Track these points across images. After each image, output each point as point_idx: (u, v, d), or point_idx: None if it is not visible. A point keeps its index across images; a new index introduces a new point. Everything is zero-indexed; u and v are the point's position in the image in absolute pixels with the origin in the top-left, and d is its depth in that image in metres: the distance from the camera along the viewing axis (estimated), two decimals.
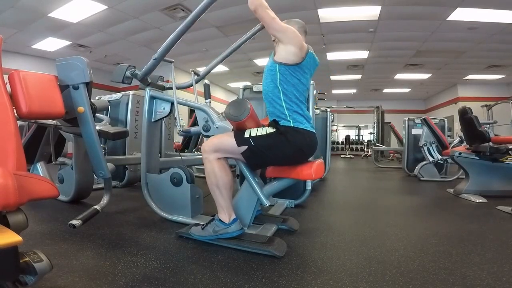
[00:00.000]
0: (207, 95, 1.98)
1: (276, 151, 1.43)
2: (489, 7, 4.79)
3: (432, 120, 4.68)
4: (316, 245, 1.58)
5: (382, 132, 10.00)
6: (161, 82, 2.07)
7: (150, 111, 1.99)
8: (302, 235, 1.73)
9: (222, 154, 1.49)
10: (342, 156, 11.82)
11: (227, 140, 1.47)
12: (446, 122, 5.15)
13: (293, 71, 1.46)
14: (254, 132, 1.44)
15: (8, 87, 1.08)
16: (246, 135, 1.44)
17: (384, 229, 1.88)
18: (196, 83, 2.06)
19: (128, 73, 1.84)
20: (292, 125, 1.44)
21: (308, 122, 1.50)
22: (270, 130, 1.45)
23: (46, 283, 1.05)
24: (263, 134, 1.44)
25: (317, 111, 3.91)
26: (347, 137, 13.08)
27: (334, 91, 12.55)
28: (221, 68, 9.06)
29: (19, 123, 1.38)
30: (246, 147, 1.43)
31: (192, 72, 2.04)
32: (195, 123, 4.27)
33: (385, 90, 12.17)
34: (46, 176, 2.34)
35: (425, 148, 4.59)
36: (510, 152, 2.83)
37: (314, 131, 1.52)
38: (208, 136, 1.77)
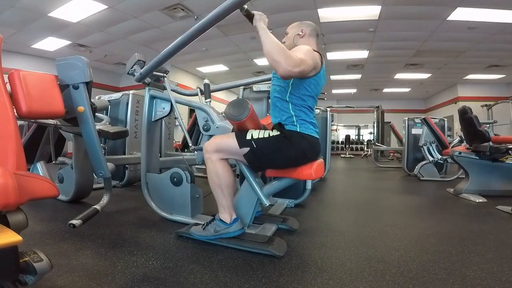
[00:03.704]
0: (207, 94, 1.98)
1: (279, 154, 1.42)
2: (489, 7, 4.79)
3: (432, 119, 4.68)
4: (316, 245, 1.58)
5: (382, 132, 10.00)
6: (164, 77, 2.07)
7: (150, 110, 1.99)
8: (302, 235, 1.73)
9: (224, 154, 1.48)
10: (342, 155, 11.82)
11: (229, 141, 1.46)
12: (446, 121, 5.15)
13: (308, 84, 1.43)
14: (257, 134, 1.43)
15: (8, 86, 1.08)
16: (249, 136, 1.43)
17: (384, 229, 1.88)
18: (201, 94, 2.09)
19: (133, 68, 1.84)
20: (298, 130, 1.43)
21: (313, 129, 1.49)
22: (274, 133, 1.45)
23: (46, 283, 1.05)
24: (265, 136, 1.42)
25: (317, 111, 3.91)
26: (347, 136, 13.09)
27: (334, 91, 12.56)
28: (221, 68, 9.06)
29: (19, 122, 1.38)
30: (248, 149, 1.42)
31: (198, 89, 2.07)
32: (195, 123, 4.28)
33: (385, 90, 12.17)
34: (46, 175, 2.33)
35: (425, 147, 4.59)
36: (510, 151, 2.83)
37: (318, 137, 1.52)
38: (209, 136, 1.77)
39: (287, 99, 1.45)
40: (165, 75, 1.98)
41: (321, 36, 6.30)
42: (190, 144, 1.84)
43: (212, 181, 1.50)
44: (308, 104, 1.47)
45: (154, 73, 1.81)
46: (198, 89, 2.08)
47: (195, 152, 1.79)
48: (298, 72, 1.26)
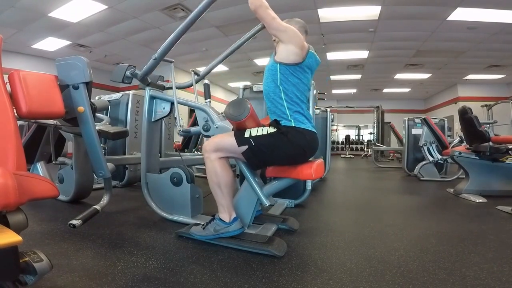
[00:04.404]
0: (207, 95, 1.98)
1: (277, 150, 1.43)
2: (489, 7, 4.79)
3: (432, 120, 4.68)
4: (316, 245, 1.58)
5: (382, 132, 10.00)
6: (161, 81, 2.07)
7: (150, 111, 1.99)
8: (302, 235, 1.73)
9: (223, 153, 1.49)
10: (342, 156, 11.82)
11: (228, 139, 1.47)
12: (446, 122, 5.15)
13: (294, 70, 1.47)
14: (255, 131, 1.44)
15: (8, 87, 1.08)
16: (247, 134, 1.44)
17: (384, 229, 1.88)
18: (196, 83, 2.06)
19: (128, 73, 1.84)
20: (293, 125, 1.44)
21: (309, 122, 1.50)
22: (271, 129, 1.45)
23: (46, 283, 1.05)
24: (263, 133, 1.43)
25: (317, 111, 3.91)
26: (347, 137, 13.08)
27: (334, 91, 12.56)
28: (221, 68, 9.06)
29: (19, 123, 1.38)
30: (246, 146, 1.43)
31: (192, 72, 2.04)
32: (195, 123, 4.29)
33: (385, 90, 12.17)
34: (46, 176, 2.33)
35: (425, 148, 4.59)
36: (510, 152, 2.83)
37: (315, 130, 1.52)
38: (208, 136, 1.77)
39: (279, 85, 1.47)
40: (172, 60, 1.96)
41: (321, 36, 6.31)
42: (178, 126, 1.86)
43: (211, 180, 1.50)
44: (300, 89, 1.49)
45: (165, 58, 1.79)
46: (193, 72, 2.05)
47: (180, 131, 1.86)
48: (260, 10, 1.40)
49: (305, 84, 1.52)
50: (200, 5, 1.47)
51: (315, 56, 1.56)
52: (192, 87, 2.03)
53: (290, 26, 1.47)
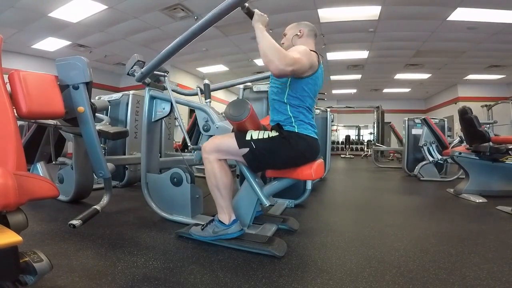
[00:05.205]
0: (207, 95, 1.98)
1: (278, 155, 1.43)
2: (489, 7, 4.80)
3: (432, 120, 4.68)
4: (316, 245, 1.58)
5: (382, 132, 10.00)
6: (163, 78, 2.08)
7: (150, 111, 1.99)
8: (302, 235, 1.73)
9: (223, 155, 1.48)
10: (342, 156, 11.82)
11: (229, 141, 1.47)
12: (446, 122, 5.15)
13: (305, 84, 1.43)
14: (256, 134, 1.44)
15: (8, 87, 1.08)
16: (248, 137, 1.44)
17: (384, 229, 1.88)
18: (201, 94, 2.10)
19: (133, 69, 1.85)
20: (296, 131, 1.44)
21: (312, 129, 1.49)
22: (273, 133, 1.45)
23: (46, 283, 1.05)
24: (265, 137, 1.43)
25: (317, 111, 3.91)
26: (347, 137, 13.09)
27: (334, 91, 12.57)
28: (221, 68, 9.07)
29: (19, 123, 1.38)
30: (247, 149, 1.42)
31: (198, 89, 2.07)
32: (194, 123, 4.28)
33: (385, 90, 12.18)
34: (46, 176, 2.34)
35: (425, 148, 4.59)
36: (510, 152, 2.83)
37: (317, 137, 1.52)
38: (208, 136, 1.78)
39: (285, 100, 1.45)
40: (165, 74, 1.99)
41: (321, 36, 6.32)
42: (189, 144, 1.84)
43: (209, 182, 1.50)
44: (306, 105, 1.47)
45: (155, 72, 1.81)
46: (198, 89, 2.09)
47: (194, 151, 1.80)
48: (291, 71, 1.27)
49: (312, 98, 1.49)
50: (187, 32, 1.42)
51: (322, 68, 1.51)
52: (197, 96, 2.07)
53: (307, 52, 1.37)
